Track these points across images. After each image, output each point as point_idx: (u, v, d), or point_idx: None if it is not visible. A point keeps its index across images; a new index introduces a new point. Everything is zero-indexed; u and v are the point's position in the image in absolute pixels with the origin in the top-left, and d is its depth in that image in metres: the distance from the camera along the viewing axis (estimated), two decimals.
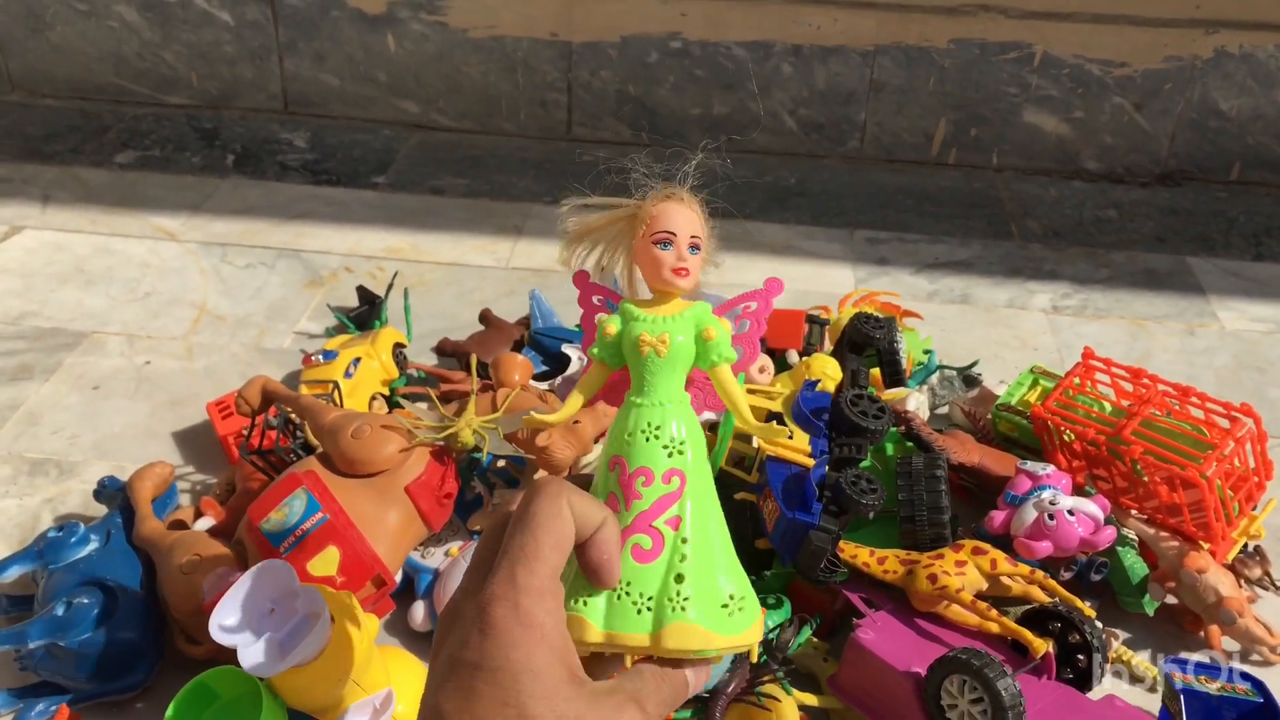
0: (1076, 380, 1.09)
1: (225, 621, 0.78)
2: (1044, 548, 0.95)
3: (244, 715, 0.78)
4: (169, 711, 0.79)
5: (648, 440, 0.57)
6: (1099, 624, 0.89)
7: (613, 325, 0.59)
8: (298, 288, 1.53)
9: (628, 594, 0.55)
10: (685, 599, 0.54)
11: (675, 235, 0.58)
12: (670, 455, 0.57)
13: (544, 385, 1.18)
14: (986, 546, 0.93)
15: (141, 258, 1.59)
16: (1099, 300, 1.55)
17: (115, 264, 1.57)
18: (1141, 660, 0.98)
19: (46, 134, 1.92)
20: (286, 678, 0.77)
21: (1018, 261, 1.65)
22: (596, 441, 1.03)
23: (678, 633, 0.54)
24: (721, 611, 0.55)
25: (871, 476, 0.93)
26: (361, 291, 1.44)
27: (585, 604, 0.55)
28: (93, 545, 0.98)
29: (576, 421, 0.99)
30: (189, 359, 1.37)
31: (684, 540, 0.56)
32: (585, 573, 0.52)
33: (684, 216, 0.58)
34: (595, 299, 0.63)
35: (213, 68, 1.96)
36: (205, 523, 1.02)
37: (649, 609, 0.55)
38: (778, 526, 0.93)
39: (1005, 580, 0.93)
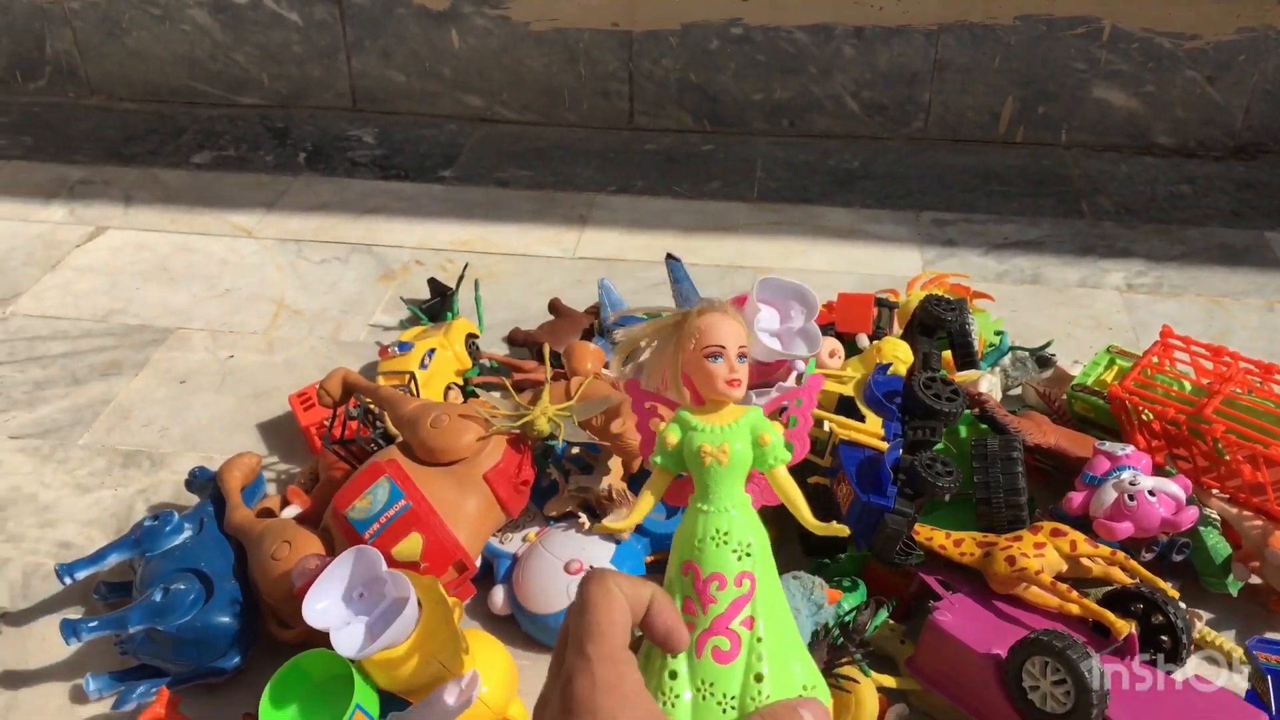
0: (1155, 359, 1.08)
1: (317, 605, 0.81)
2: (1124, 529, 0.94)
3: (337, 696, 0.81)
4: (265, 692, 0.82)
5: (717, 546, 0.61)
6: (1182, 605, 0.88)
7: (673, 435, 0.64)
8: (371, 281, 1.56)
9: (711, 694, 0.60)
10: (766, 697, 0.60)
11: (725, 349, 0.62)
12: (740, 559, 0.61)
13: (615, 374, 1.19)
14: (1065, 528, 0.93)
15: (220, 255, 1.63)
16: (1174, 277, 1.53)
17: (196, 261, 1.62)
18: (1226, 641, 0.97)
19: (126, 136, 1.98)
20: (377, 660, 0.79)
21: (1089, 240, 1.63)
22: None
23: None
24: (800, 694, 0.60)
25: (947, 459, 0.93)
26: (433, 284, 1.46)
27: (674, 706, 0.60)
28: (187, 533, 1.01)
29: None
30: (270, 353, 1.41)
31: (759, 640, 0.61)
32: (657, 644, 0.56)
33: (730, 329, 0.62)
34: (647, 405, 0.67)
35: (282, 68, 2.00)
36: (292, 510, 1.05)
37: (733, 708, 0.60)
38: (852, 510, 0.94)
39: (1085, 562, 0.92)
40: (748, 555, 0.62)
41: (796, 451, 0.65)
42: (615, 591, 0.53)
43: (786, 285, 1.04)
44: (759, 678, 0.60)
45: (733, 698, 0.59)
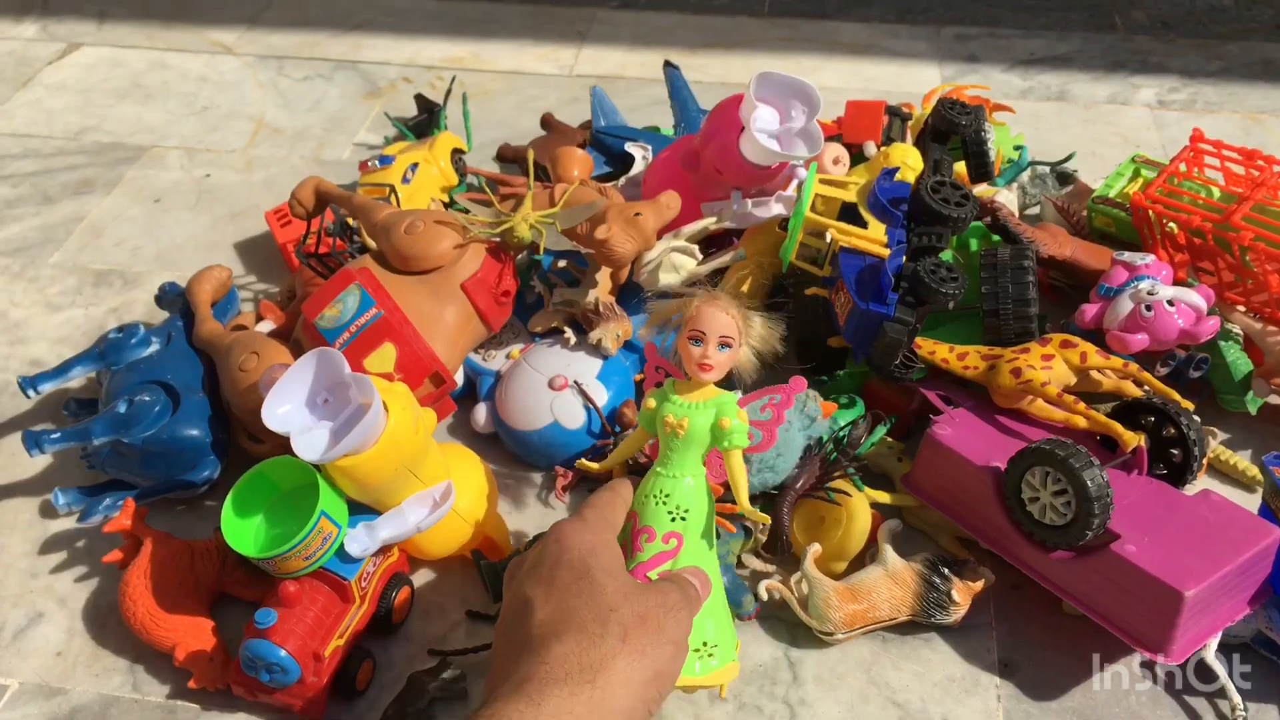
0: (1182, 166, 1.00)
1: (279, 410, 0.77)
2: (1139, 341, 0.88)
3: (304, 506, 0.77)
4: (228, 500, 0.78)
5: (656, 504, 0.70)
6: (1196, 418, 0.83)
7: (653, 400, 0.72)
8: (356, 99, 1.48)
9: None
10: None
11: (705, 335, 0.69)
12: (673, 520, 0.70)
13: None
14: (1076, 340, 0.87)
15: (198, 72, 1.55)
16: (1210, 94, 1.42)
17: (172, 79, 1.54)
18: (1242, 461, 0.92)
19: None
20: (343, 467, 0.75)
21: (1121, 55, 1.52)
22: (660, 237, 0.98)
23: None
24: (693, 655, 0.69)
25: (952, 265, 0.86)
26: (420, 100, 1.38)
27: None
28: (154, 347, 0.97)
29: (638, 214, 0.94)
30: (248, 172, 1.35)
31: None
32: None
33: (717, 320, 0.69)
34: (656, 368, 0.76)
35: None
36: (265, 326, 1.01)
37: None
38: (850, 319, 0.88)
39: (1095, 375, 0.86)
40: (681, 519, 0.70)
41: (764, 443, 0.75)
42: (622, 493, 0.70)
43: (787, 82, 0.96)
44: None
45: None
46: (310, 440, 0.75)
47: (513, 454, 0.97)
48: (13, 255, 1.22)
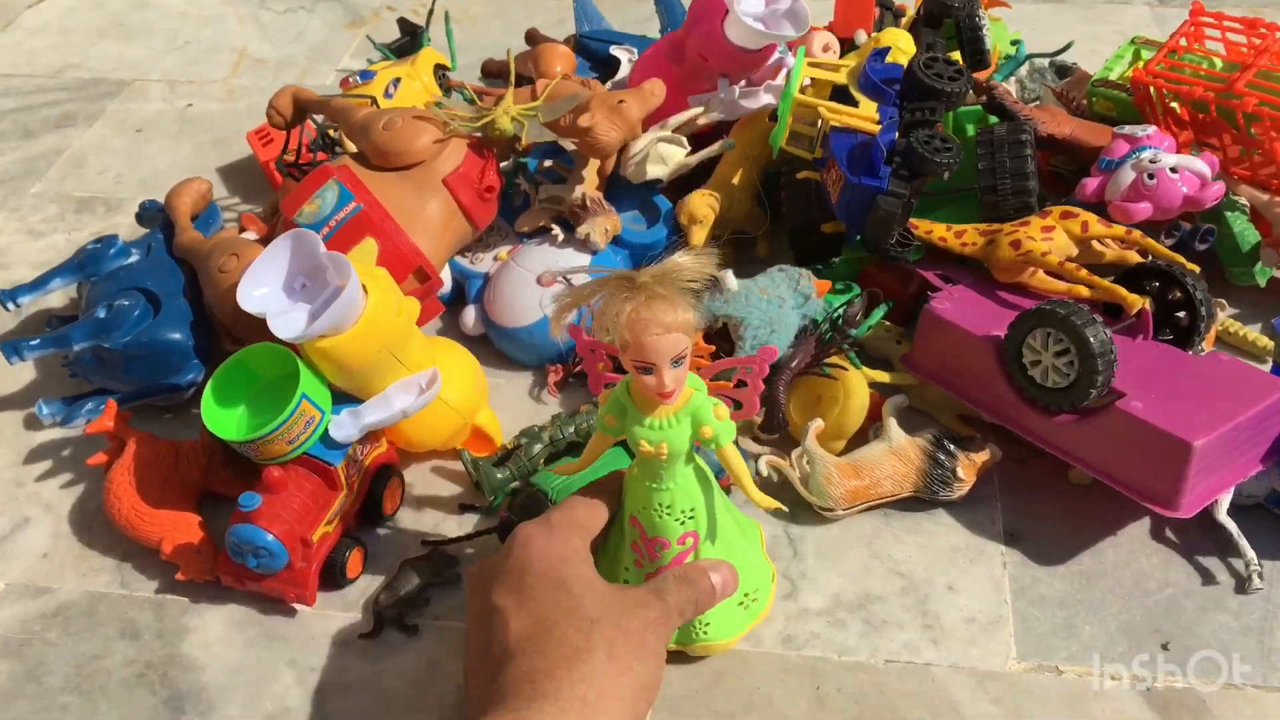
0: (1183, 40, 0.97)
1: (255, 293, 0.75)
2: (1143, 209, 0.86)
3: (286, 395, 0.75)
4: (207, 389, 0.76)
5: (661, 518, 0.66)
6: (1203, 281, 0.81)
7: (611, 415, 0.65)
8: (338, 29, 1.46)
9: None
10: (706, 624, 0.70)
11: (657, 365, 0.59)
12: (682, 524, 0.66)
13: None
14: (1077, 210, 0.85)
15: (179, 9, 1.53)
16: None
17: (153, 16, 1.52)
18: (1251, 332, 0.90)
19: None
20: (323, 349, 0.73)
21: None
22: (646, 129, 0.96)
23: (702, 650, 0.71)
24: (738, 611, 0.71)
25: (947, 136, 0.84)
26: (403, 23, 1.35)
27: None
28: (133, 257, 0.95)
29: (621, 101, 0.91)
30: (231, 100, 1.33)
31: None
32: None
33: (662, 348, 0.58)
34: (592, 349, 0.66)
35: None
36: (249, 236, 0.99)
37: (680, 630, 0.69)
38: (843, 195, 0.86)
39: (1098, 246, 0.84)
40: (690, 519, 0.66)
41: (745, 410, 0.65)
42: (598, 509, 0.67)
43: None
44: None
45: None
46: (288, 320, 0.73)
47: (503, 354, 0.95)
48: None
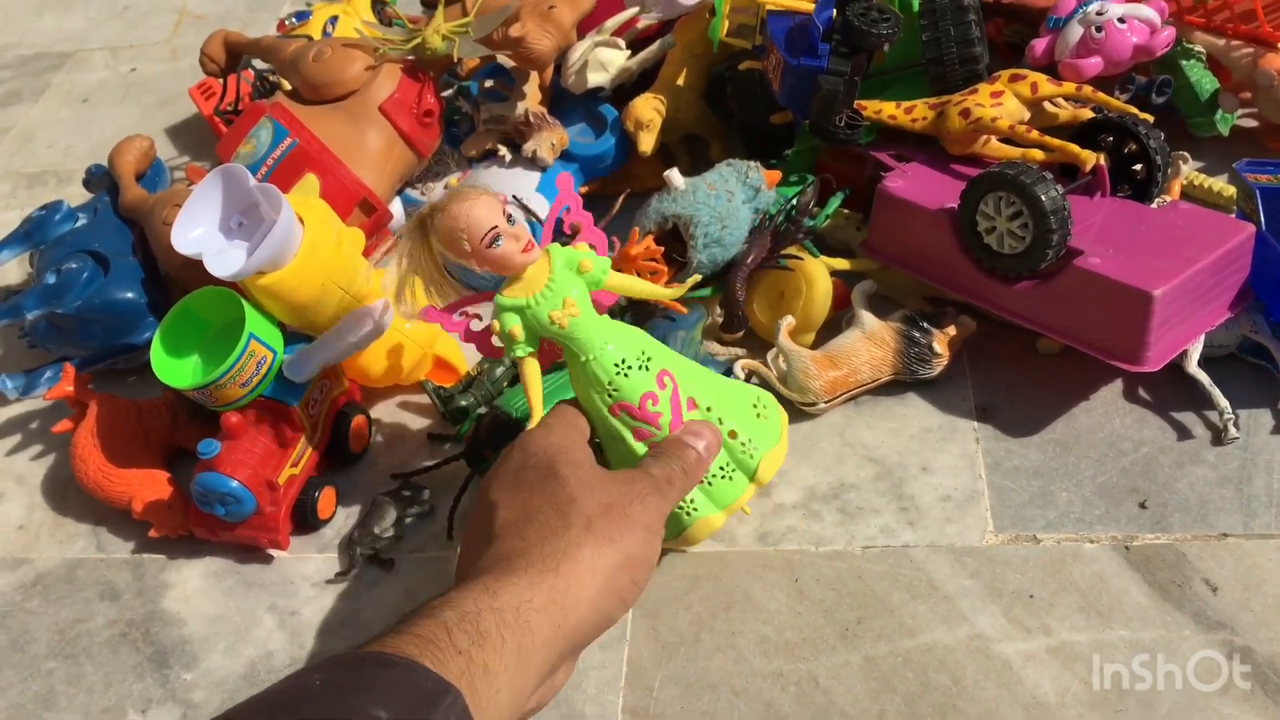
0: None
1: (190, 234, 0.73)
2: (1093, 65, 0.83)
3: (236, 338, 0.74)
4: (155, 336, 0.75)
5: (625, 377, 0.65)
6: (1158, 130, 0.78)
7: (514, 325, 0.65)
8: None
9: (712, 474, 0.67)
10: (750, 442, 0.68)
11: (496, 228, 0.61)
12: (647, 368, 0.66)
13: None
14: (1025, 71, 0.82)
15: None
16: None
17: None
18: (1218, 182, 0.88)
19: None
20: (265, 286, 0.72)
21: None
22: (581, 37, 0.93)
23: (766, 468, 0.69)
24: (761, 422, 0.70)
25: (885, 7, 0.81)
26: None
27: (695, 507, 0.68)
28: (80, 221, 0.94)
29: (552, 7, 0.89)
30: (174, 60, 1.30)
31: (708, 409, 0.67)
32: None
33: (480, 206, 0.61)
34: (456, 316, 0.68)
35: None
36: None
37: (734, 471, 0.68)
38: (785, 81, 0.84)
39: (1050, 107, 0.82)
40: (650, 360, 0.66)
41: (600, 248, 0.67)
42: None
43: None
44: (732, 434, 0.67)
45: (727, 466, 0.68)
46: (225, 259, 0.72)
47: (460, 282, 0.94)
48: None
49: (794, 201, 0.83)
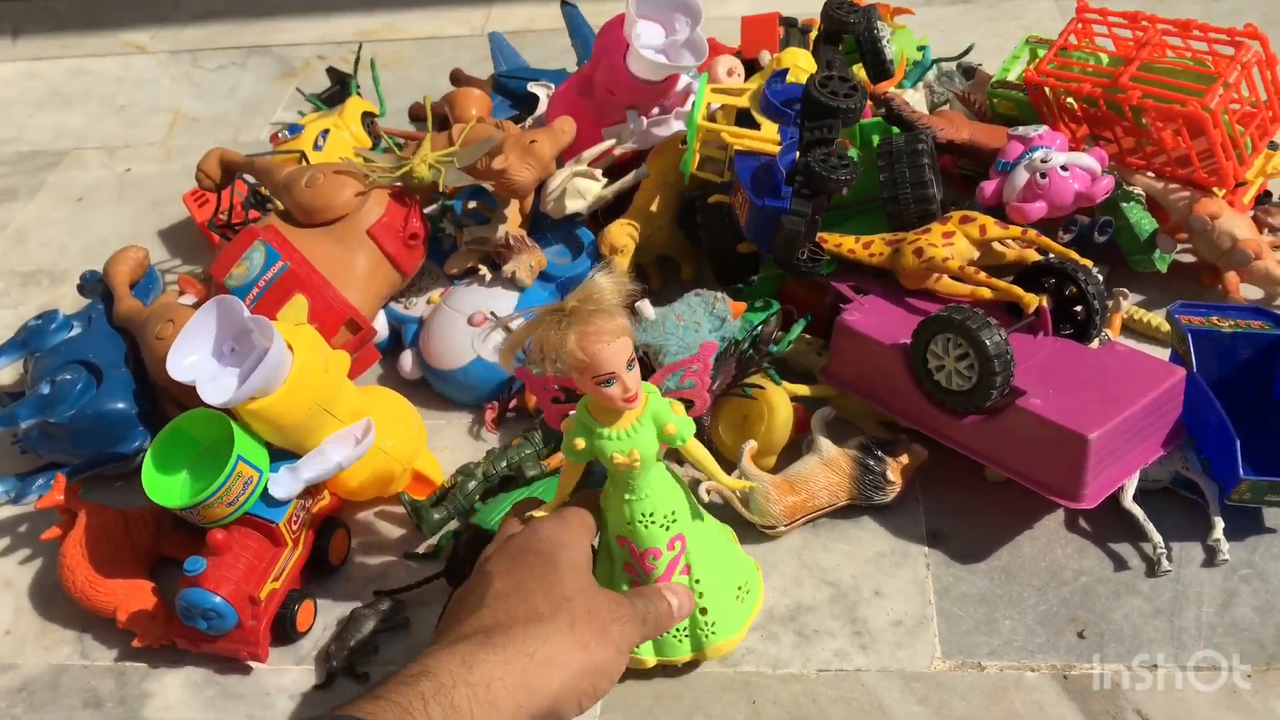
0: (1072, 38, 1.01)
1: (185, 361, 0.77)
2: (1037, 209, 0.89)
3: (224, 457, 0.78)
4: (147, 456, 0.79)
5: (646, 527, 0.69)
6: (1097, 274, 0.84)
7: (580, 441, 0.66)
8: (270, 82, 1.49)
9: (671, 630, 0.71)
10: (712, 625, 0.72)
11: (616, 374, 0.62)
12: (667, 529, 0.69)
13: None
14: (975, 214, 0.88)
15: (114, 74, 1.55)
16: None
17: (90, 83, 1.54)
18: (1155, 317, 0.93)
19: None
20: (254, 410, 0.76)
21: None
22: (562, 165, 0.99)
23: (714, 652, 0.73)
24: (736, 605, 0.74)
25: (844, 154, 0.87)
26: (332, 72, 1.38)
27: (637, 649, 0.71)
28: (75, 330, 0.98)
29: (533, 141, 0.94)
30: (168, 161, 1.35)
31: (697, 581, 0.71)
32: None
33: (614, 354, 0.61)
34: (544, 389, 0.69)
35: None
36: (187, 300, 1.01)
37: (687, 637, 0.73)
38: (750, 218, 0.89)
39: (997, 247, 0.87)
40: (674, 522, 0.69)
41: (697, 406, 0.69)
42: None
43: None
44: (704, 610, 0.72)
45: (683, 629, 0.72)
46: (217, 386, 0.76)
47: (441, 395, 0.98)
48: None
49: (758, 331, 0.88)
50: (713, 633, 0.72)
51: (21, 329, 0.98)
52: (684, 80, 1.04)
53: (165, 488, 0.79)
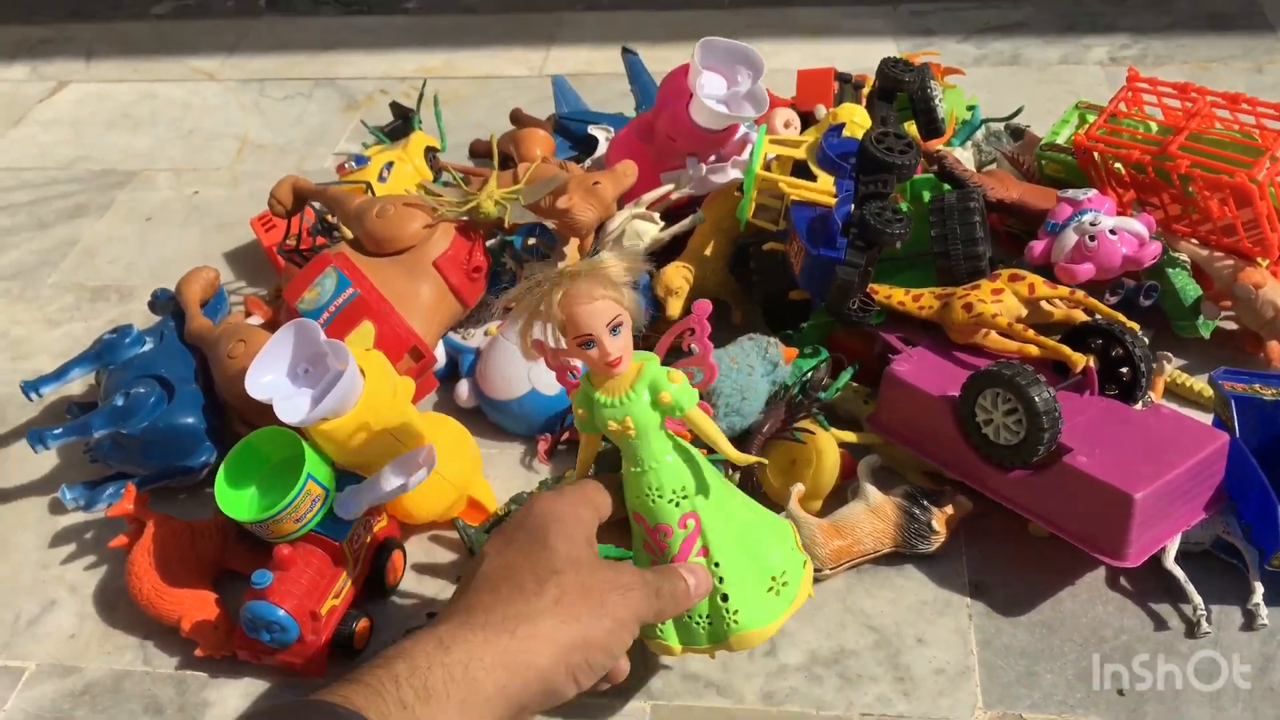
0: (1122, 106, 1.03)
1: (261, 379, 0.81)
2: (1085, 270, 0.92)
3: (292, 475, 0.81)
4: (220, 472, 0.82)
5: (654, 502, 0.68)
6: (1143, 336, 0.86)
7: (581, 409, 0.68)
8: (335, 113, 1.53)
9: (690, 616, 0.70)
10: (735, 613, 0.69)
11: (594, 335, 0.62)
12: (677, 505, 0.68)
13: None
14: (1024, 273, 0.90)
15: (183, 99, 1.60)
16: (1159, 48, 1.46)
17: (159, 107, 1.59)
18: (1198, 382, 0.95)
19: None
20: (325, 431, 0.79)
21: (1074, 18, 1.56)
22: (621, 206, 1.02)
23: (739, 642, 0.70)
24: (768, 597, 0.70)
25: (898, 208, 0.90)
26: (395, 107, 1.43)
27: (661, 630, 0.71)
28: (148, 346, 1.01)
29: (596, 183, 0.98)
30: (234, 186, 1.40)
31: (716, 564, 0.69)
32: None
33: (593, 314, 0.61)
34: (559, 361, 0.68)
35: None
36: (254, 320, 1.05)
37: (710, 625, 0.70)
38: (804, 266, 0.92)
39: (1045, 306, 0.90)
40: (684, 499, 0.68)
41: (705, 379, 0.67)
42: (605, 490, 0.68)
43: (730, 48, 1.00)
44: (725, 597, 0.69)
45: (706, 617, 0.70)
46: (292, 405, 0.79)
47: (496, 425, 1.01)
48: (12, 279, 1.27)
49: (808, 377, 0.90)
50: (735, 622, 0.70)
51: (96, 342, 1.02)
52: (741, 130, 1.07)
53: (235, 500, 0.82)
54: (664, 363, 0.67)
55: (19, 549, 0.95)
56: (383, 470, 0.83)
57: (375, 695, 0.52)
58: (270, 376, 0.81)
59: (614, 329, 0.62)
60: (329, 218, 1.13)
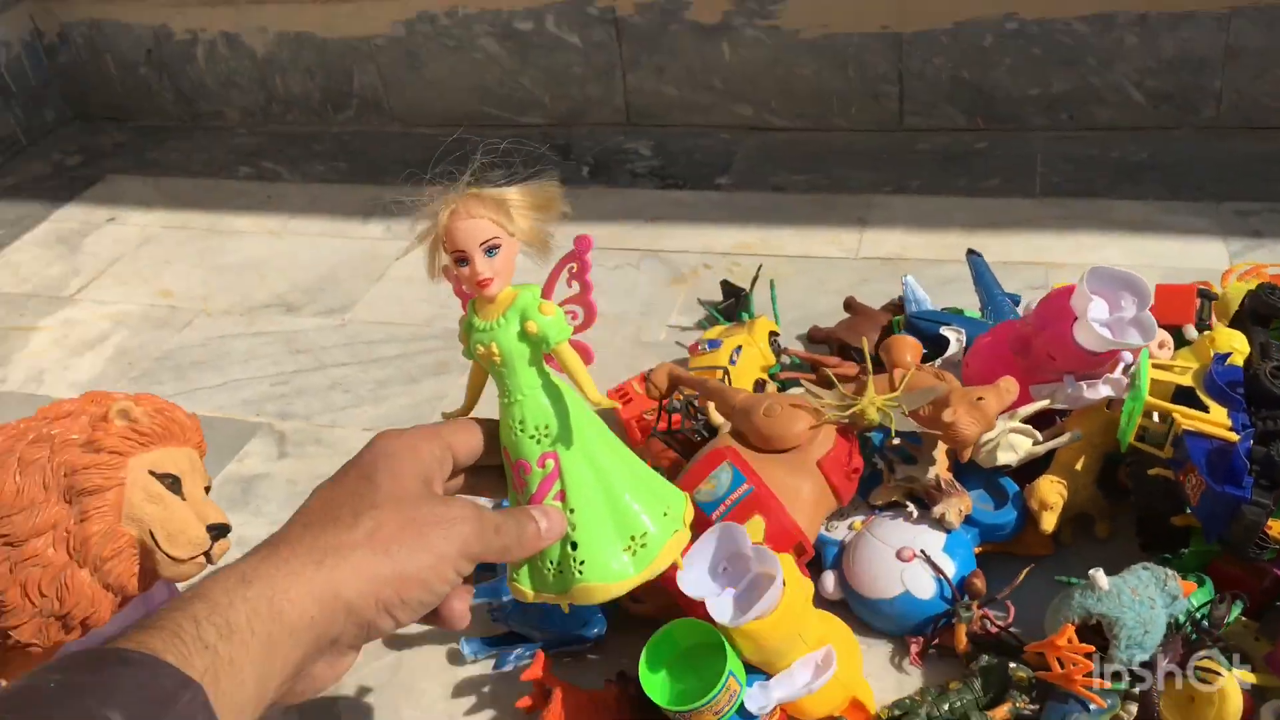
0: None
1: (690, 577, 0.88)
2: None
3: (703, 663, 0.87)
4: (643, 654, 0.89)
5: (516, 435, 0.68)
6: None
7: (463, 332, 0.69)
8: (663, 285, 1.65)
9: (540, 561, 0.70)
10: (581, 563, 0.69)
11: (467, 252, 0.64)
12: (539, 442, 0.68)
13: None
14: None
15: (523, 263, 1.75)
16: None
17: None
18: None
19: (426, 159, 2.15)
20: (748, 631, 0.85)
21: None
22: (999, 416, 1.06)
23: (581, 594, 0.70)
24: (616, 553, 0.70)
25: None
26: (726, 285, 1.53)
27: (517, 575, 0.72)
28: None
29: (981, 398, 1.02)
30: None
31: (571, 510, 0.69)
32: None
33: (468, 229, 0.64)
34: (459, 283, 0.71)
35: (563, 88, 2.13)
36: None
37: (559, 573, 0.70)
38: (1204, 502, 0.93)
39: None
40: (546, 437, 0.67)
41: (585, 319, 0.70)
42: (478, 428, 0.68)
43: (1116, 275, 1.04)
44: (574, 545, 0.69)
45: (555, 562, 0.70)
46: (722, 605, 0.85)
47: (859, 619, 1.04)
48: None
49: (1207, 613, 0.90)
50: (579, 572, 0.69)
51: None
52: None
53: (654, 684, 0.89)
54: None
55: (425, 696, 1.04)
56: (793, 669, 0.88)
57: (173, 637, 0.49)
58: (695, 574, 0.88)
59: (489, 250, 0.64)
60: (695, 404, 1.21)
